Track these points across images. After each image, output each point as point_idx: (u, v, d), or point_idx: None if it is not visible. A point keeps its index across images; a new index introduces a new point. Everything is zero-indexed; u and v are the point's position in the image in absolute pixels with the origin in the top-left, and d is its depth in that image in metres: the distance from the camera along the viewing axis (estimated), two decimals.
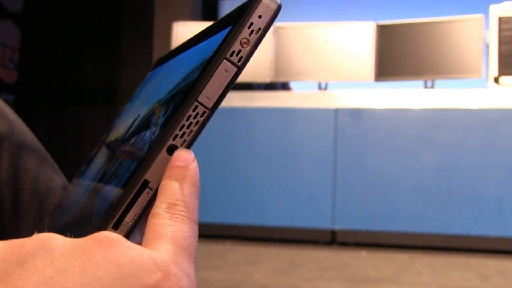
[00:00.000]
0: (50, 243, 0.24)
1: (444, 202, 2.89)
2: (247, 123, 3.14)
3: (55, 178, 0.65)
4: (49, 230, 0.45)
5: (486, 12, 3.07)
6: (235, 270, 2.37)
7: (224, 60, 0.29)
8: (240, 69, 0.29)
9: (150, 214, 0.28)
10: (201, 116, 0.29)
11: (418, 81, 3.19)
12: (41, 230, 0.51)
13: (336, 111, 3.04)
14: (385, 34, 3.24)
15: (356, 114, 3.03)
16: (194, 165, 0.29)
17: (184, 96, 0.29)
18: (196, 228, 0.29)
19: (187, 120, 0.28)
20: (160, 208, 0.28)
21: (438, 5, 4.01)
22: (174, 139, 0.28)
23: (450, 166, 2.91)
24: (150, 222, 0.28)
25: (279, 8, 0.30)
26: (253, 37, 0.30)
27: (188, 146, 0.29)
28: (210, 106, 0.29)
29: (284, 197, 3.07)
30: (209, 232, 3.02)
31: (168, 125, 0.28)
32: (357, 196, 3.00)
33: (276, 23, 3.36)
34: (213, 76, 0.29)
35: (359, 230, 2.99)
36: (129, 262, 0.23)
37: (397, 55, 3.21)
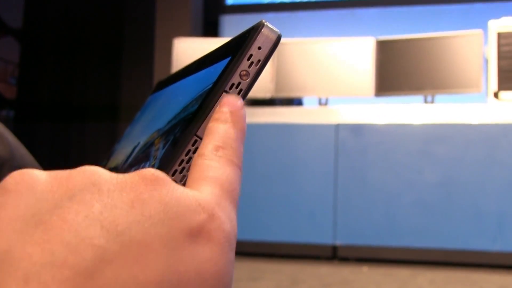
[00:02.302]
0: (97, 177, 0.23)
1: (445, 217, 2.89)
2: (248, 138, 3.11)
3: None
4: None
5: (485, 27, 3.09)
6: (237, 287, 2.37)
7: (224, 93, 0.29)
8: None
9: (197, 154, 0.28)
10: None
11: (418, 96, 3.20)
12: None
13: (337, 126, 3.05)
14: (385, 50, 3.25)
15: (356, 129, 3.04)
16: (242, 111, 0.29)
17: (183, 129, 0.29)
18: (240, 173, 0.29)
19: (186, 155, 0.28)
20: (207, 148, 0.27)
21: (437, 21, 4.03)
22: (173, 175, 0.27)
23: (451, 181, 2.91)
24: (196, 162, 0.27)
25: (279, 38, 0.30)
26: (253, 69, 0.29)
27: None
28: None
29: (285, 212, 3.07)
30: None
31: (167, 160, 0.28)
32: (358, 211, 3.00)
33: None
34: (212, 110, 0.29)
35: (361, 245, 2.99)
36: (175, 202, 0.23)
37: (397, 70, 3.22)
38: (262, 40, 0.29)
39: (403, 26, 4.01)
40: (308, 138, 3.09)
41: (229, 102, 0.29)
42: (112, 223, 0.21)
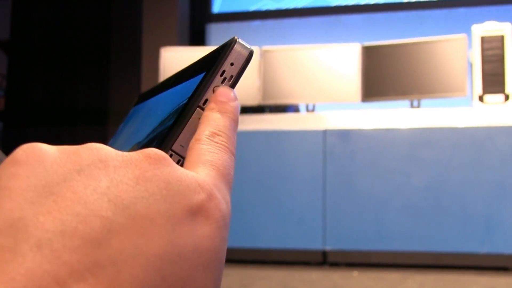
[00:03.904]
0: (104, 154, 0.24)
1: (434, 220, 2.91)
2: (236, 146, 3.14)
3: None
4: None
5: (468, 31, 3.12)
6: None
7: (197, 109, 0.29)
8: None
9: (194, 139, 0.29)
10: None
11: (404, 101, 3.22)
12: None
13: (324, 132, 3.07)
14: (370, 55, 3.28)
15: (344, 135, 3.06)
16: (235, 102, 0.31)
17: (159, 144, 0.29)
18: (234, 160, 0.30)
19: None
20: (204, 134, 0.29)
21: (422, 26, 4.07)
22: None
23: (438, 184, 2.93)
24: (193, 147, 0.28)
25: (251, 54, 0.30)
26: (225, 85, 0.30)
27: None
28: (184, 154, 0.29)
29: (275, 218, 3.08)
30: None
31: None
32: (347, 216, 3.01)
33: (263, 47, 3.39)
34: (187, 125, 0.29)
35: (350, 250, 3.00)
36: (176, 181, 0.24)
37: (383, 75, 3.25)
38: (235, 56, 0.30)
39: (388, 32, 4.04)
40: (296, 144, 3.11)
41: (223, 94, 0.30)
42: (118, 197, 0.23)
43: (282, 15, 4.37)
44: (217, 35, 4.43)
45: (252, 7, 4.45)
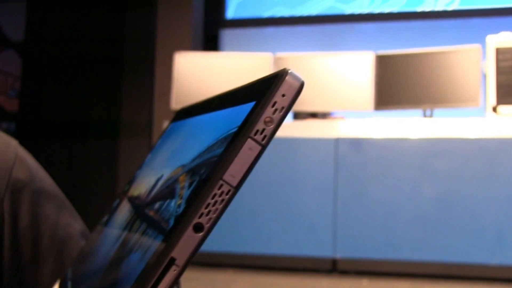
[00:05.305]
0: None
1: (444, 230, 2.91)
2: None
3: (73, 224, 0.67)
4: (72, 283, 0.47)
5: (483, 42, 3.12)
6: None
7: (249, 139, 0.29)
8: (264, 147, 0.30)
9: None
10: (226, 194, 0.29)
11: (417, 110, 3.22)
12: (63, 278, 0.52)
13: (337, 140, 3.07)
14: (384, 64, 3.28)
15: (356, 143, 3.06)
16: None
17: (209, 172, 0.30)
18: None
19: (212, 198, 0.28)
20: None
21: (436, 36, 4.06)
22: (200, 217, 0.28)
23: (450, 195, 2.93)
24: None
25: (302, 86, 0.30)
26: (277, 116, 0.30)
27: (213, 224, 0.29)
28: (234, 184, 0.29)
29: (285, 225, 3.08)
30: (211, 261, 3.03)
31: (194, 202, 0.29)
32: (358, 225, 3.01)
33: (276, 54, 3.41)
34: (238, 155, 0.29)
35: (360, 258, 3.00)
36: None
37: (396, 84, 3.25)
38: (286, 88, 0.30)
39: (402, 41, 4.04)
40: (308, 152, 3.11)
41: None
42: None
43: (295, 22, 4.38)
44: (231, 41, 4.45)
45: (266, 14, 4.46)
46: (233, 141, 0.30)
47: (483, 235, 2.86)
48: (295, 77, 0.30)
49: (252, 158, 0.30)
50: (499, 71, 3.02)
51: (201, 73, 3.43)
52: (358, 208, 3.02)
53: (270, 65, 3.38)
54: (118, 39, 4.29)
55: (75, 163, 4.18)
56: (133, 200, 0.45)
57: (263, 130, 0.30)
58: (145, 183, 0.44)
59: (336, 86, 3.32)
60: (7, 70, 4.73)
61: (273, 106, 0.30)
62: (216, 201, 0.29)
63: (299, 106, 3.35)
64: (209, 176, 0.29)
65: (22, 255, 0.60)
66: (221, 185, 0.29)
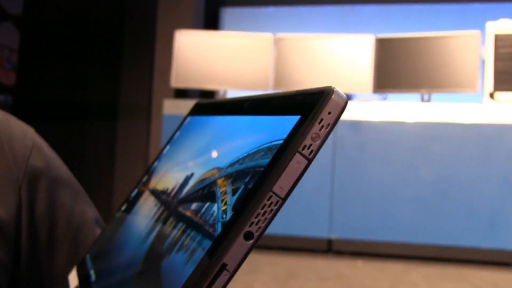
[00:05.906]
0: None
1: (439, 213, 2.95)
2: None
3: (88, 211, 0.68)
4: (96, 272, 0.47)
5: (482, 27, 3.13)
6: (235, 280, 2.40)
7: (297, 154, 0.31)
8: (310, 161, 0.31)
9: None
10: (275, 205, 0.31)
11: (415, 94, 3.25)
12: (82, 266, 0.53)
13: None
14: (384, 47, 3.30)
15: (354, 126, 3.09)
16: None
17: (258, 184, 0.31)
18: None
19: (262, 208, 0.30)
20: None
21: (436, 20, 4.07)
22: (250, 226, 0.30)
23: (446, 178, 2.97)
24: None
25: (346, 103, 0.32)
26: (323, 132, 0.31)
27: (262, 232, 0.31)
28: (283, 196, 0.31)
29: (283, 206, 3.11)
30: None
31: (244, 212, 0.31)
32: (354, 206, 3.05)
33: (276, 34, 3.41)
34: (287, 169, 0.31)
35: (355, 239, 3.05)
36: None
37: (395, 68, 3.27)
38: (332, 106, 0.31)
39: (402, 24, 4.05)
40: None
41: None
42: None
43: (296, 2, 4.37)
44: (231, 19, 4.43)
45: None
46: (281, 154, 0.31)
47: (477, 219, 2.91)
48: (340, 96, 0.32)
49: (299, 172, 0.31)
50: (498, 57, 3.05)
51: (201, 52, 3.44)
52: (354, 190, 3.06)
53: (270, 46, 3.39)
54: (118, 17, 4.28)
55: (74, 143, 4.19)
56: (158, 194, 0.46)
57: (310, 145, 0.31)
58: (170, 178, 0.46)
59: (336, 68, 3.33)
60: (3, 42, 4.71)
61: (320, 123, 0.31)
62: (265, 211, 0.30)
63: (298, 86, 3.36)
64: (258, 187, 0.31)
65: (39, 241, 0.62)
66: (271, 196, 0.31)
